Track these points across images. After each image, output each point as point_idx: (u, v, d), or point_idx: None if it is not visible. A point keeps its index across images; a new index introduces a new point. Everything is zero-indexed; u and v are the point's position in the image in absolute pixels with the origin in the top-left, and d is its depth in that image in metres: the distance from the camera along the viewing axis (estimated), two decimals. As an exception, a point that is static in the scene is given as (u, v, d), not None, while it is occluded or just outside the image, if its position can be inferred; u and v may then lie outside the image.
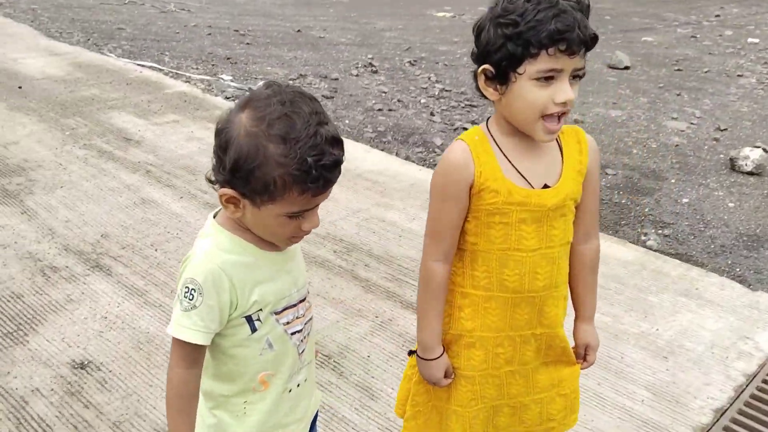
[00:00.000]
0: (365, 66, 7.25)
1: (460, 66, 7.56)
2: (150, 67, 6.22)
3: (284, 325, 1.38)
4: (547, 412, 1.69)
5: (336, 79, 6.66)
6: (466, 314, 1.59)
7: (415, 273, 3.07)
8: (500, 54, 1.40)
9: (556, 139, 1.55)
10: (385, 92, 6.39)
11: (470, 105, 6.22)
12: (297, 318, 1.41)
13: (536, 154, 1.52)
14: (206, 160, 4.26)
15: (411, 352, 1.67)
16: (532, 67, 1.37)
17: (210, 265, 1.28)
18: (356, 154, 4.44)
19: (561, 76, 1.37)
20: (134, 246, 3.27)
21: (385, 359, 2.60)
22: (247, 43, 7.74)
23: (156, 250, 3.26)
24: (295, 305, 1.40)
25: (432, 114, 5.88)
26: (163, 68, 6.26)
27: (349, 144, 4.58)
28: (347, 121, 5.37)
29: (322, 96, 5.98)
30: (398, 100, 6.17)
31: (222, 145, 1.24)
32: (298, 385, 1.46)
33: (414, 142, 5.12)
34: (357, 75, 6.90)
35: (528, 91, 1.39)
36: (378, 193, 3.98)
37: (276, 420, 1.44)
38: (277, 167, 1.19)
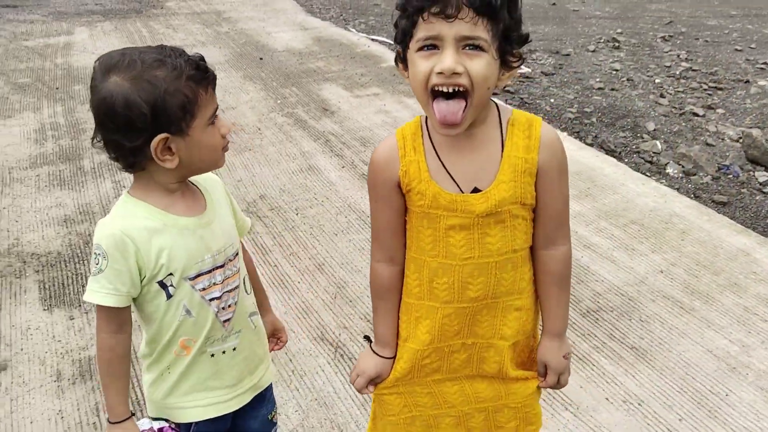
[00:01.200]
0: (607, 41, 6.76)
1: (723, 43, 6.69)
2: (381, 42, 6.47)
3: (200, 291, 1.39)
4: (494, 420, 1.51)
5: (567, 55, 6.32)
6: (402, 323, 1.49)
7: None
8: (397, 31, 1.27)
9: (501, 133, 1.35)
10: (616, 70, 5.90)
11: (715, 87, 5.48)
12: (214, 284, 1.41)
13: (472, 152, 1.34)
14: (384, 133, 4.37)
15: (366, 338, 1.59)
16: (414, 38, 1.21)
17: (113, 230, 1.32)
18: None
19: (443, 44, 1.19)
20: (281, 208, 3.51)
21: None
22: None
23: (297, 215, 3.45)
24: (209, 271, 1.40)
25: (661, 95, 5.31)
26: (393, 44, 6.48)
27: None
28: (552, 100, 5.08)
29: (541, 72, 5.72)
30: (628, 79, 5.67)
31: (122, 110, 1.26)
32: (224, 352, 1.47)
33: (622, 126, 4.68)
34: (593, 51, 6.47)
35: (413, 64, 1.23)
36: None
37: (196, 382, 1.47)
38: (176, 82, 1.27)
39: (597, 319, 2.68)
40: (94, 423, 2.25)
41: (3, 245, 3.28)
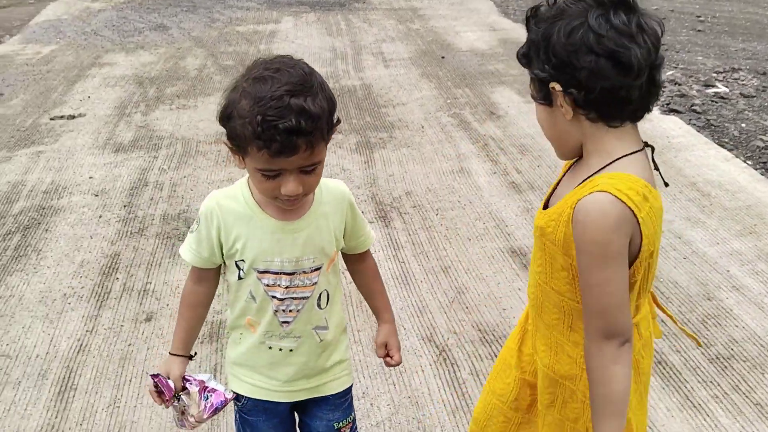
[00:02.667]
0: (828, 65, 6.06)
1: None
2: (569, 48, 6.31)
3: (265, 285, 1.47)
4: None
5: (775, 76, 5.76)
6: None
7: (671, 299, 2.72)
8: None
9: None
10: (831, 98, 5.29)
11: None
12: (277, 285, 1.47)
13: None
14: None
15: None
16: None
17: (212, 203, 1.47)
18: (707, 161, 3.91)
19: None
20: (422, 207, 3.58)
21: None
22: (698, 30, 7.16)
23: (437, 215, 3.51)
24: (276, 273, 1.47)
25: None
26: (581, 50, 6.28)
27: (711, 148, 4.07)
28: (743, 125, 4.68)
29: (740, 93, 5.27)
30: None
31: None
32: (281, 350, 1.54)
33: (819, 161, 4.21)
34: (808, 75, 5.83)
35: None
36: (698, 206, 3.49)
37: (255, 363, 1.56)
38: (239, 119, 1.30)
39: (725, 367, 2.48)
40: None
41: (175, 210, 3.66)
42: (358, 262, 1.65)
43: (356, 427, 1.70)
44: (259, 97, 1.28)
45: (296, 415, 1.69)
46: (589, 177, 1.24)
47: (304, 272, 1.49)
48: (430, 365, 2.51)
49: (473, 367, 2.49)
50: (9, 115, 5.08)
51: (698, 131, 4.45)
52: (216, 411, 1.53)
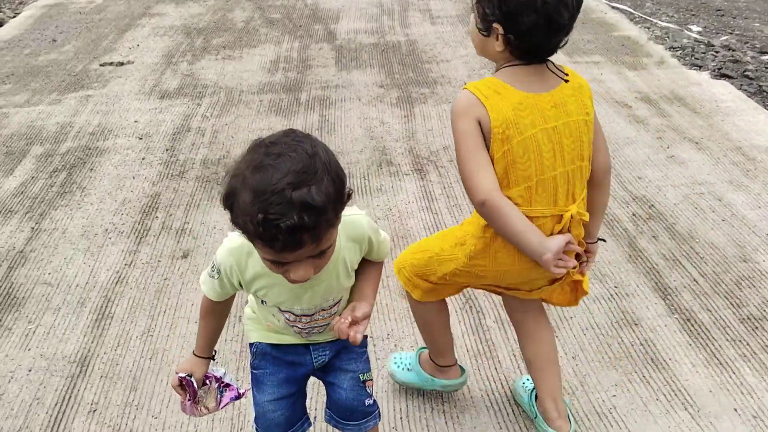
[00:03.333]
0: None
1: None
2: (622, 11, 6.15)
3: (287, 319, 1.52)
4: None
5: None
6: None
7: (706, 260, 2.70)
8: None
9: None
10: None
11: None
12: (298, 322, 1.51)
13: None
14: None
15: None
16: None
17: (229, 261, 1.43)
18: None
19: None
20: (455, 162, 3.57)
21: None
22: (762, -4, 6.88)
23: (473, 169, 3.50)
24: (297, 315, 1.50)
25: None
26: (634, 12, 6.13)
27: (760, 113, 3.95)
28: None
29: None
30: None
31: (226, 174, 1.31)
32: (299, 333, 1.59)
33: None
34: None
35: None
36: (742, 170, 3.41)
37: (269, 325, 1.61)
38: (242, 215, 1.20)
39: (756, 327, 2.44)
40: (239, 317, 2.54)
41: (216, 155, 3.73)
42: (372, 267, 1.60)
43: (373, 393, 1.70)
44: (260, 191, 1.17)
45: (307, 409, 1.71)
46: None
47: (322, 310, 1.52)
48: (456, 312, 2.53)
49: (498, 316, 2.51)
50: (61, 60, 5.20)
51: (749, 97, 4.32)
52: (228, 404, 1.67)
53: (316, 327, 1.55)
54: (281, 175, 1.17)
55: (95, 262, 2.87)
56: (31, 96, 4.55)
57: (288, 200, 1.16)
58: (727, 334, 2.41)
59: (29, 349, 2.42)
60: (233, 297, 1.58)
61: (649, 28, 5.69)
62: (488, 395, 2.18)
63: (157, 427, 2.10)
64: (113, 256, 2.91)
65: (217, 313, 1.60)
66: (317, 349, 1.61)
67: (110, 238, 3.02)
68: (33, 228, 3.11)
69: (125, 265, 2.85)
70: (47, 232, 3.07)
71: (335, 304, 1.53)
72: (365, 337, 1.57)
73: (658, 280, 2.67)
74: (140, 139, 3.92)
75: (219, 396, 1.65)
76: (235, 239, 1.41)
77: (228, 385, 1.67)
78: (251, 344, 1.65)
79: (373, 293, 1.56)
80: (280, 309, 1.50)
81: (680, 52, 5.11)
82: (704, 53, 5.07)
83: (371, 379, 1.66)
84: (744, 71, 4.74)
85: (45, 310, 2.61)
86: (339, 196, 1.25)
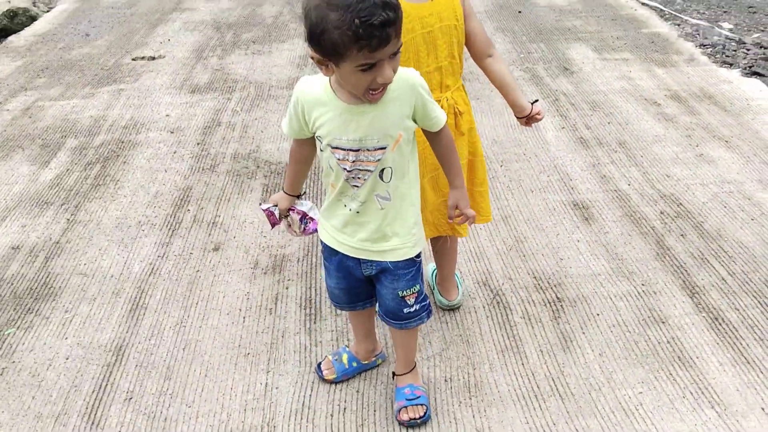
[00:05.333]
0: None
1: None
2: (652, 7, 6.11)
3: (338, 159, 1.75)
4: None
5: None
6: None
7: (735, 259, 2.69)
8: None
9: None
10: None
11: None
12: (346, 159, 1.73)
13: None
14: (620, 100, 4.21)
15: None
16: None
17: (298, 88, 1.76)
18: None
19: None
20: (487, 157, 3.57)
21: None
22: (791, -8, 6.79)
23: (501, 166, 3.52)
24: (345, 149, 1.72)
25: None
26: (665, 9, 6.09)
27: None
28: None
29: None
30: None
31: (305, 23, 1.57)
32: (350, 209, 1.83)
33: None
34: None
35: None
36: (773, 170, 3.39)
37: (333, 216, 1.89)
38: (335, 30, 1.46)
39: (786, 327, 2.43)
40: (270, 309, 2.59)
41: (246, 149, 3.78)
42: (433, 138, 1.86)
43: (426, 298, 1.99)
44: (347, 5, 1.44)
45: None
46: None
47: (368, 150, 1.72)
48: (483, 307, 2.56)
49: (525, 311, 2.53)
50: (94, 54, 5.29)
51: (781, 95, 4.28)
52: (312, 233, 2.04)
53: (361, 172, 1.74)
54: None
55: (129, 253, 2.94)
56: (65, 90, 4.64)
57: (372, 3, 1.44)
58: (755, 333, 2.41)
59: (66, 338, 2.49)
60: (313, 147, 1.86)
61: (679, 25, 5.65)
62: (516, 390, 2.20)
63: (191, 415, 2.16)
64: (146, 248, 2.97)
65: (301, 159, 1.94)
66: (365, 263, 1.91)
67: (143, 230, 3.09)
68: (69, 219, 3.18)
69: (158, 257, 2.91)
70: (82, 224, 3.15)
71: (380, 149, 1.71)
72: (412, 260, 1.90)
73: (685, 278, 2.67)
74: (172, 132, 3.99)
75: (303, 225, 2.02)
76: (306, 80, 1.75)
77: (312, 219, 2.00)
78: (321, 242, 1.97)
79: (459, 171, 1.92)
80: (332, 152, 1.73)
81: (711, 49, 5.07)
82: (735, 51, 5.03)
83: (414, 293, 1.94)
84: (776, 69, 4.69)
85: (81, 300, 2.68)
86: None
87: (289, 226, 2.04)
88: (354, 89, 1.63)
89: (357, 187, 1.78)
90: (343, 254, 1.91)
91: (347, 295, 2.05)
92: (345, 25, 1.45)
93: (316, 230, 2.01)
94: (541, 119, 2.19)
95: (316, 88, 1.72)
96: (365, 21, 1.44)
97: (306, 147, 1.90)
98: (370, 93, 1.62)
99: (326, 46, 1.50)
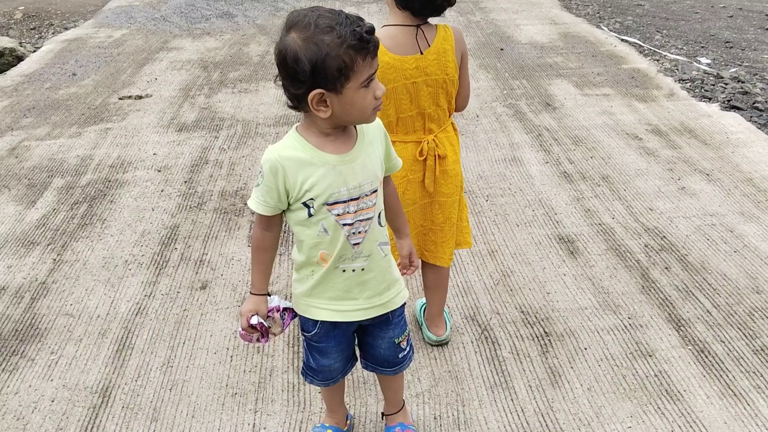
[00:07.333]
0: None
1: None
2: (631, 43, 6.23)
3: (335, 216, 1.66)
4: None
5: None
6: None
7: (719, 291, 2.72)
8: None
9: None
10: None
11: None
12: (347, 213, 1.67)
13: None
14: (601, 135, 4.27)
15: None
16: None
17: (272, 156, 1.62)
18: None
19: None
20: (473, 193, 3.62)
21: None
22: (765, 28, 6.97)
23: (486, 201, 3.55)
24: (345, 202, 1.66)
25: None
26: (644, 45, 6.21)
27: None
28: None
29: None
30: None
31: (291, 63, 1.52)
32: (353, 270, 1.74)
33: None
34: None
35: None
36: (753, 202, 3.44)
37: (330, 290, 1.77)
38: (338, 48, 1.48)
39: (770, 359, 2.46)
40: (258, 347, 2.58)
41: (233, 187, 3.80)
42: (385, 185, 1.82)
43: (410, 339, 1.98)
44: (335, 24, 1.49)
45: (356, 338, 1.96)
46: None
47: (366, 195, 1.69)
48: (472, 343, 2.56)
49: (514, 346, 2.53)
50: (81, 94, 5.31)
51: (759, 128, 4.36)
52: (289, 324, 1.86)
53: (362, 223, 1.69)
54: (326, 14, 1.51)
55: (115, 293, 2.92)
56: (51, 129, 4.65)
57: (353, 19, 1.51)
58: (741, 365, 2.42)
59: (52, 380, 2.46)
60: (280, 226, 1.74)
61: (658, 61, 5.77)
62: (505, 427, 2.20)
63: (179, 457, 2.13)
64: (133, 287, 2.96)
65: (268, 245, 1.76)
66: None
67: (130, 270, 3.08)
68: (55, 259, 3.17)
69: (145, 296, 2.90)
70: (69, 264, 3.13)
71: (374, 192, 1.70)
72: (403, 304, 1.88)
73: (671, 311, 2.70)
74: (159, 171, 4.00)
75: (282, 321, 1.83)
76: (275, 146, 1.65)
77: (285, 309, 1.83)
78: (314, 321, 1.81)
79: (406, 220, 1.96)
80: (329, 210, 1.65)
81: (690, 84, 5.17)
82: (713, 85, 5.13)
83: (406, 336, 1.93)
84: (753, 103, 4.79)
85: (67, 340, 2.65)
86: None
87: (268, 329, 1.79)
88: (362, 112, 1.59)
89: (358, 244, 1.70)
90: (347, 324, 1.83)
91: (344, 364, 1.95)
92: (345, 39, 1.48)
93: (294, 317, 1.85)
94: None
95: (294, 152, 1.62)
96: (357, 32, 1.49)
97: (275, 227, 1.74)
98: (374, 110, 1.62)
99: (332, 70, 1.49)
